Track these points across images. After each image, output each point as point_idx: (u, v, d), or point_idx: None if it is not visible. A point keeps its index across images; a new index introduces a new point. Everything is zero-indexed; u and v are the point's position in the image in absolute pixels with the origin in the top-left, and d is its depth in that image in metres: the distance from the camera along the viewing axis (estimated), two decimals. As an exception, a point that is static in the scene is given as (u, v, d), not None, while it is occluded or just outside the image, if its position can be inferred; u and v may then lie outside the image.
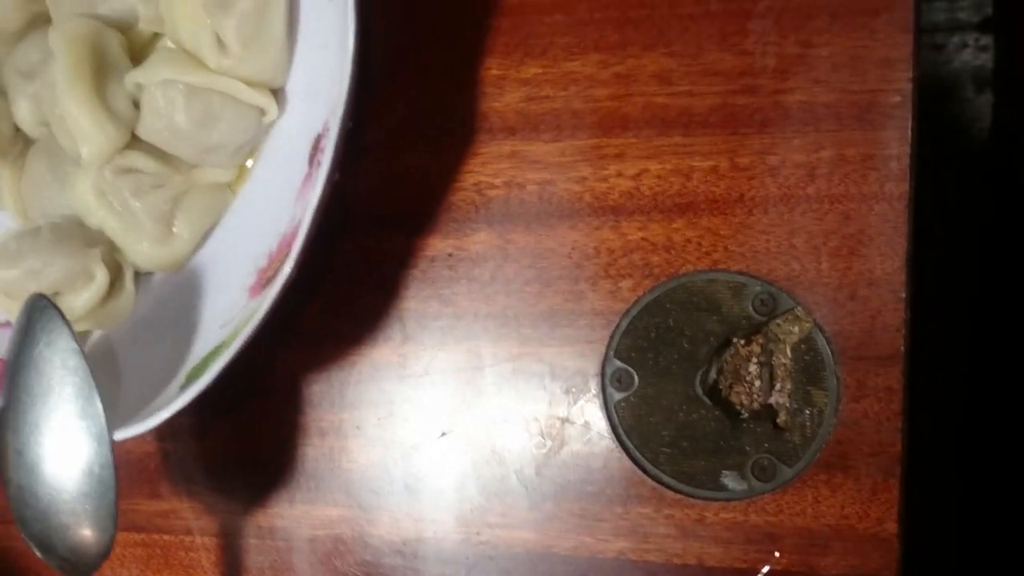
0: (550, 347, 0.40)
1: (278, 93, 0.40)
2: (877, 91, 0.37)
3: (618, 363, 0.39)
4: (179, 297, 0.40)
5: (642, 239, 0.39)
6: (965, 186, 0.93)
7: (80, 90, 0.37)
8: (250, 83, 0.39)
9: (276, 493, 0.43)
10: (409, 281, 0.42)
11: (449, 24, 0.42)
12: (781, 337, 0.38)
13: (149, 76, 0.38)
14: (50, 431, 0.34)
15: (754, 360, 0.39)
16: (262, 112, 0.40)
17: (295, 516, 0.42)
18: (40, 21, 0.41)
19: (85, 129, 0.38)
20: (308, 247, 0.34)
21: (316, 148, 0.38)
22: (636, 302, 0.39)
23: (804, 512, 0.38)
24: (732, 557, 0.38)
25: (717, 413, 0.38)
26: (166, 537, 0.44)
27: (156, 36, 0.41)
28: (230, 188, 0.42)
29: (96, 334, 0.41)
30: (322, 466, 0.42)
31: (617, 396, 0.39)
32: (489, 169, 0.41)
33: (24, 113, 0.41)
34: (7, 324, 0.41)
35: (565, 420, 0.40)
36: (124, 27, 0.40)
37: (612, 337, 0.39)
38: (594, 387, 0.39)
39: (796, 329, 0.38)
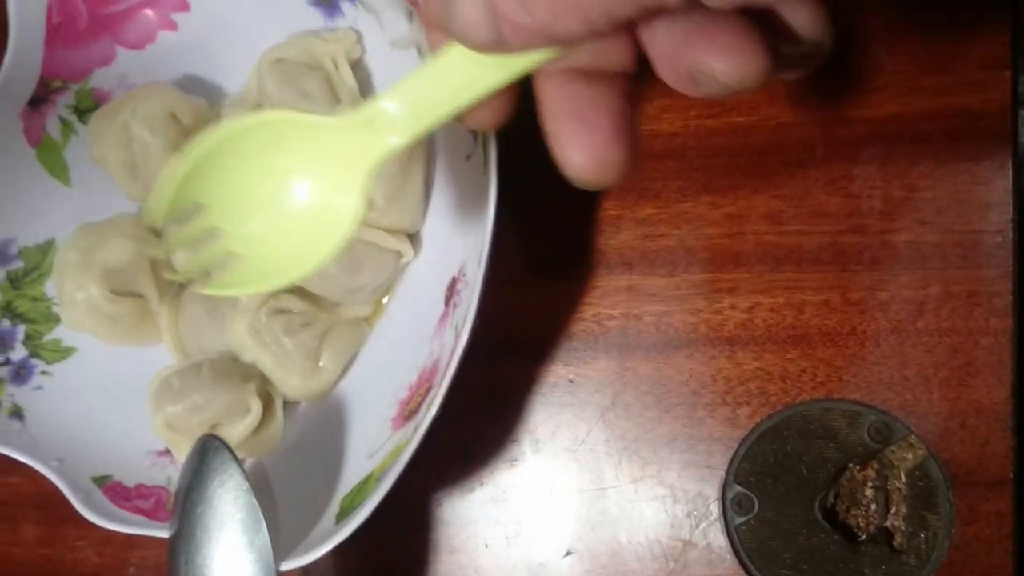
0: (671, 471, 0.42)
1: (413, 237, 0.44)
2: (980, 231, 0.40)
3: (738, 488, 0.41)
4: (324, 425, 0.44)
5: (758, 369, 0.42)
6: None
7: (241, 243, 0.41)
8: (390, 231, 0.42)
9: (409, 608, 0.45)
10: (533, 405, 0.44)
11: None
12: (896, 463, 0.40)
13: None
14: (221, 562, 0.37)
15: (870, 484, 0.41)
16: (399, 255, 0.43)
17: (428, 630, 0.45)
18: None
19: (245, 277, 0.41)
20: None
21: (452, 290, 0.41)
22: (754, 429, 0.41)
23: (925, 633, 0.39)
24: (855, 676, 0.40)
25: (836, 536, 0.40)
26: (304, 648, 0.47)
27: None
28: (367, 322, 0.45)
29: (249, 461, 0.44)
30: (453, 582, 0.45)
31: (738, 520, 0.41)
32: (607, 301, 0.44)
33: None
34: (166, 453, 0.44)
35: (687, 542, 0.42)
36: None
37: (732, 462, 0.41)
38: (715, 511, 0.42)
39: (910, 456, 0.40)
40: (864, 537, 0.41)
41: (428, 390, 0.39)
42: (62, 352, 0.46)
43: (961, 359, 0.39)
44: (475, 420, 0.45)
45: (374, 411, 0.42)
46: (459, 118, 0.27)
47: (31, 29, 0.42)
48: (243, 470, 0.37)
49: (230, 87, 0.46)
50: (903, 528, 0.40)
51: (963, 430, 0.39)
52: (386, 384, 0.42)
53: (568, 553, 0.43)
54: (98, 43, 0.45)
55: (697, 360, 0.42)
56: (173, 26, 0.45)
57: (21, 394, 0.44)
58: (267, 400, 0.43)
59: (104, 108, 0.45)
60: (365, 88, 0.44)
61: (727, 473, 0.41)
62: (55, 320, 0.46)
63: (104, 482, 0.43)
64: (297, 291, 0.43)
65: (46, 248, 0.46)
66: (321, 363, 0.43)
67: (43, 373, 0.45)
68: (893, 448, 0.40)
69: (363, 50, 0.43)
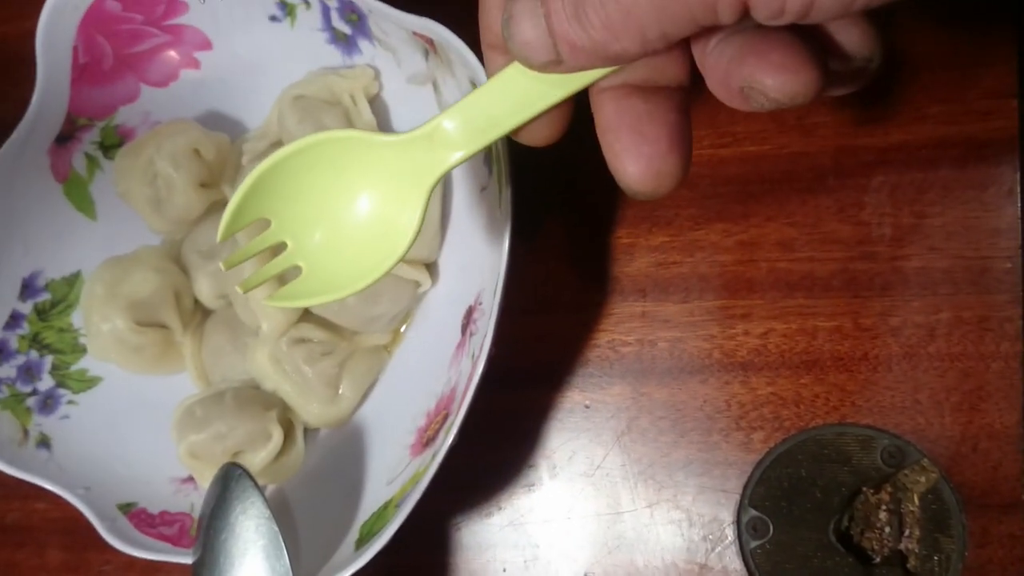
0: (687, 495, 0.43)
1: (431, 266, 0.45)
2: (989, 257, 0.40)
3: (753, 511, 0.42)
4: (344, 451, 0.44)
5: (771, 394, 0.42)
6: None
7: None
8: (408, 261, 0.43)
9: (429, 632, 0.46)
10: (550, 431, 0.45)
11: (581, 197, 0.46)
12: (909, 486, 0.41)
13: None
14: (245, 588, 0.38)
15: (884, 508, 0.41)
16: (417, 284, 0.44)
17: (448, 654, 0.45)
18: (217, 207, 0.46)
19: (267, 308, 0.42)
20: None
21: (469, 318, 0.42)
22: (768, 453, 0.42)
23: (941, 656, 0.39)
24: None
25: (851, 559, 0.40)
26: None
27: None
28: (386, 350, 0.46)
29: (270, 488, 0.45)
30: (473, 607, 0.45)
31: (753, 543, 0.41)
32: (622, 328, 0.45)
33: (204, 288, 0.46)
34: (190, 480, 0.45)
35: (703, 566, 0.42)
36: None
37: (746, 486, 0.42)
38: (731, 534, 0.42)
39: (923, 479, 0.40)
40: (878, 560, 0.41)
41: (446, 417, 0.40)
42: (88, 382, 0.47)
43: (972, 383, 0.40)
44: (492, 445, 0.46)
45: (393, 438, 0.43)
46: (514, 134, 0.28)
47: (58, 69, 0.44)
48: (265, 498, 0.38)
49: (251, 123, 0.48)
50: (917, 551, 0.40)
51: (975, 453, 0.40)
52: (404, 411, 0.43)
53: (586, 577, 0.44)
54: (123, 82, 0.46)
55: (711, 385, 0.43)
56: (196, 64, 0.47)
57: (48, 424, 0.45)
58: (288, 427, 0.44)
59: (129, 145, 0.46)
60: (383, 123, 0.45)
61: (742, 497, 0.42)
62: (81, 350, 0.47)
63: (129, 509, 0.44)
64: (317, 320, 0.44)
65: (72, 280, 0.47)
66: (341, 390, 0.44)
67: (70, 403, 0.46)
68: (906, 472, 0.41)
69: (380, 86, 0.45)
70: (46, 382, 0.46)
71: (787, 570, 0.41)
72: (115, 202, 0.47)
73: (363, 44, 0.44)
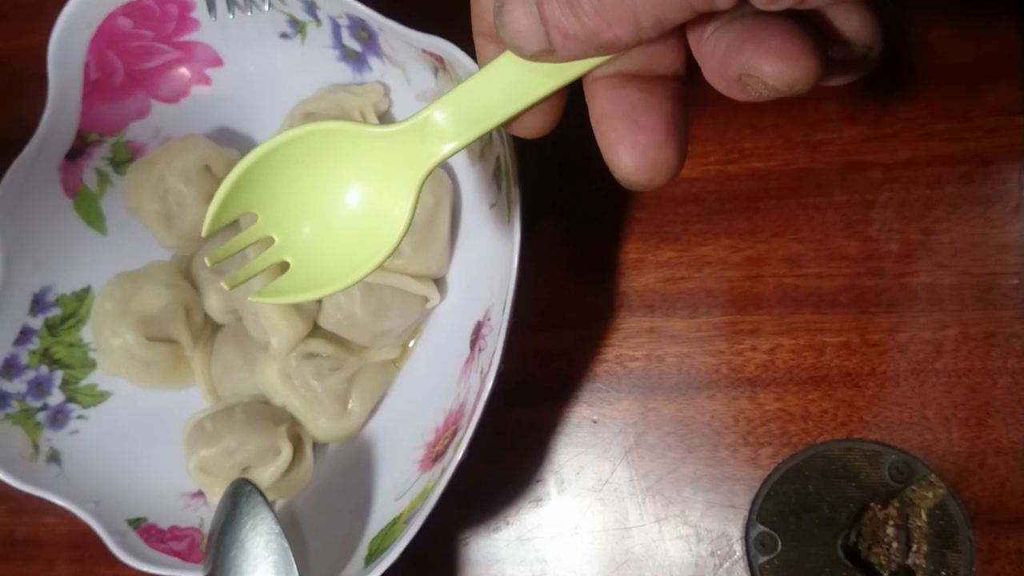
0: (694, 510, 0.43)
1: (440, 282, 0.45)
2: (996, 274, 0.40)
3: (761, 527, 0.42)
4: (353, 466, 0.44)
5: (779, 409, 0.42)
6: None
7: (274, 290, 0.42)
8: (417, 277, 0.43)
9: (438, 647, 0.46)
10: (557, 446, 0.45)
11: (590, 213, 0.46)
12: (917, 502, 0.41)
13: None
14: (255, 603, 0.38)
15: (891, 523, 0.41)
16: (426, 299, 0.44)
17: (456, 669, 0.45)
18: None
19: (276, 323, 0.42)
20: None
21: (477, 334, 0.42)
22: (776, 469, 0.42)
23: (950, 672, 0.39)
24: None
25: (858, 575, 0.40)
26: None
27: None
28: (395, 365, 0.46)
29: (280, 503, 0.45)
30: (481, 621, 0.45)
31: (761, 559, 0.41)
32: (630, 343, 0.45)
33: (214, 303, 0.46)
34: (199, 495, 0.45)
35: (713, 581, 0.42)
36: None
37: (754, 502, 0.42)
38: (739, 550, 0.42)
39: (931, 495, 0.40)
40: (886, 575, 0.41)
41: (455, 432, 0.40)
42: (98, 397, 0.47)
43: (979, 399, 0.40)
44: (500, 460, 0.46)
45: (402, 453, 0.43)
46: (506, 125, 0.27)
47: (69, 85, 0.44)
48: (275, 514, 0.38)
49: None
50: (925, 566, 0.40)
51: (982, 469, 0.40)
52: (413, 426, 0.43)
53: (594, 592, 0.44)
54: (133, 98, 0.46)
55: (719, 401, 0.43)
56: (207, 81, 0.47)
57: (59, 438, 0.46)
58: (297, 442, 0.44)
59: (140, 160, 0.46)
60: (392, 139, 0.45)
61: (750, 512, 0.42)
62: (91, 365, 0.47)
63: (139, 524, 0.44)
64: (326, 335, 0.44)
65: (83, 295, 0.47)
66: (350, 405, 0.44)
67: (79, 417, 0.47)
68: (914, 487, 0.41)
69: (390, 103, 0.45)
70: (56, 397, 0.46)
71: (795, 585, 0.41)
72: (125, 217, 0.47)
73: (373, 61, 0.44)
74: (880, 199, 0.42)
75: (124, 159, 0.47)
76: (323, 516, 0.44)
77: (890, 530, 0.41)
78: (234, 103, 0.47)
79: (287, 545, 0.38)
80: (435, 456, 0.41)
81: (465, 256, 0.44)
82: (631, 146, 0.25)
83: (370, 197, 0.28)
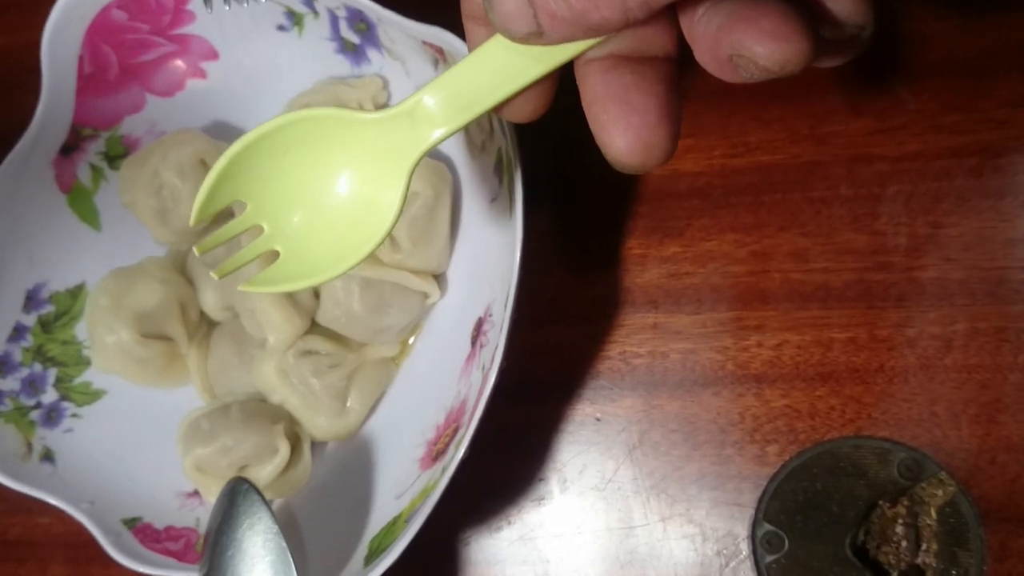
0: (700, 509, 0.42)
1: (440, 278, 0.44)
2: (1006, 268, 0.40)
3: (768, 526, 0.41)
4: (352, 465, 0.44)
5: (786, 406, 0.42)
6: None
7: (271, 287, 0.41)
8: (416, 272, 0.43)
9: (438, 649, 0.45)
10: (560, 444, 0.45)
11: (592, 208, 0.45)
12: (926, 500, 0.40)
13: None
14: (252, 605, 0.37)
15: (900, 521, 0.41)
16: (426, 295, 0.43)
17: (457, 671, 0.45)
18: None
19: (274, 320, 0.42)
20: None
21: (478, 330, 0.41)
22: (783, 467, 0.41)
23: (960, 673, 0.39)
24: None
25: (867, 574, 0.40)
26: None
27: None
28: (394, 362, 0.45)
29: (278, 502, 0.44)
30: (482, 623, 0.45)
31: (768, 558, 0.41)
32: (634, 339, 0.44)
33: (210, 300, 0.45)
34: (195, 494, 0.45)
35: (718, 581, 0.42)
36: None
37: (761, 500, 0.41)
38: (745, 549, 0.41)
39: (940, 492, 0.40)
40: (895, 574, 0.40)
41: (456, 430, 0.39)
42: (92, 395, 0.46)
43: (990, 395, 0.39)
44: (502, 459, 0.45)
45: (402, 451, 0.43)
46: (497, 111, 0.27)
47: (63, 79, 0.43)
48: (272, 513, 0.38)
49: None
50: (935, 565, 0.40)
51: (993, 466, 0.39)
52: (413, 424, 0.43)
53: (597, 593, 0.43)
54: (128, 92, 0.46)
55: (724, 398, 0.42)
56: (202, 74, 0.46)
57: (52, 437, 0.45)
58: (295, 441, 0.44)
59: (135, 155, 0.46)
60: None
61: (756, 511, 0.41)
62: (86, 363, 0.46)
63: (134, 524, 0.43)
64: (324, 332, 0.44)
65: (76, 292, 0.47)
66: (348, 403, 0.44)
67: (74, 416, 0.46)
68: (923, 485, 0.40)
69: (389, 96, 0.44)
70: (50, 395, 0.46)
71: (803, 585, 0.40)
72: (120, 213, 0.47)
73: (372, 53, 0.43)
74: (888, 192, 0.41)
75: (118, 154, 0.47)
76: (322, 515, 0.43)
77: (899, 528, 0.41)
78: (230, 97, 0.47)
79: (285, 545, 0.37)
80: (436, 454, 0.41)
81: (466, 251, 0.44)
82: (624, 128, 0.24)
83: (360, 184, 0.28)
